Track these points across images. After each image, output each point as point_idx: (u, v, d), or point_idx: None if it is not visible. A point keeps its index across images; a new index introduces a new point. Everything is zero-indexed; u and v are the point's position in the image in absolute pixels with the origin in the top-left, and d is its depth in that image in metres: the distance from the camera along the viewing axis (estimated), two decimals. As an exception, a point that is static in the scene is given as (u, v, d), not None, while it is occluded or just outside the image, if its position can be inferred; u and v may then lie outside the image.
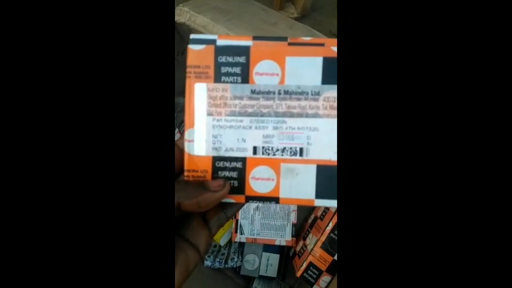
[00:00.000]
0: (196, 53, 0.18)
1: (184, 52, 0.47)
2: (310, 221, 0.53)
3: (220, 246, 0.56)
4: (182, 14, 0.41)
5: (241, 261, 0.52)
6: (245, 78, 0.18)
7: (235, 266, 0.52)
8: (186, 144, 0.18)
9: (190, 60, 0.18)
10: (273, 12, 0.50)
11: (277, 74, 0.18)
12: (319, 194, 0.18)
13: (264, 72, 0.18)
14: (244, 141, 0.18)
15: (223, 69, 0.18)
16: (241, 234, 0.51)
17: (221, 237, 0.55)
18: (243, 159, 0.18)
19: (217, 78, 0.18)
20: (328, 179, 0.18)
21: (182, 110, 0.53)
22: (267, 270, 0.53)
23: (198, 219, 0.19)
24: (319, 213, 0.49)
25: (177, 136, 0.53)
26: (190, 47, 0.18)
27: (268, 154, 0.18)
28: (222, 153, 0.18)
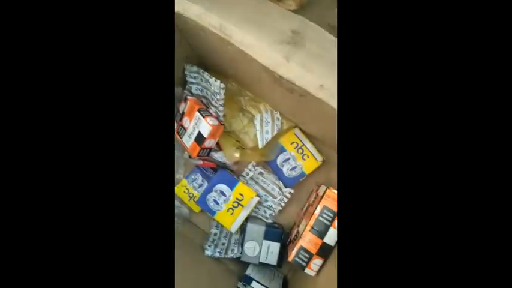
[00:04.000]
0: None
1: (180, 43, 0.48)
2: (304, 208, 0.54)
3: (220, 233, 0.57)
4: (177, 4, 0.42)
5: (241, 252, 0.53)
6: None
7: (234, 256, 0.53)
8: None
9: None
10: (270, 3, 0.50)
11: None
12: None
13: None
14: None
15: None
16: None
17: (232, 224, 0.55)
18: None
19: None
20: None
21: (178, 100, 0.54)
22: (267, 257, 0.54)
23: None
24: (311, 200, 0.50)
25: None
26: None
27: None
28: None
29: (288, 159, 0.57)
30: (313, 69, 0.34)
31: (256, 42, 0.35)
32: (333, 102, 0.33)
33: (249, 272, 0.54)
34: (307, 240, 0.42)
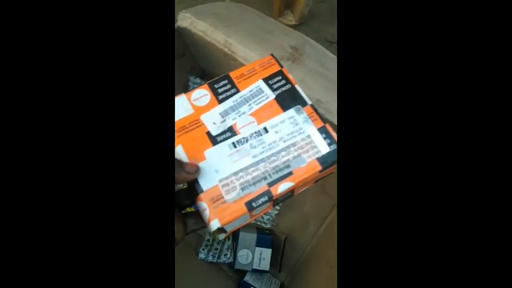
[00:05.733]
0: None
1: (185, 54, 0.51)
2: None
3: (213, 240, 0.59)
4: (184, 20, 0.44)
5: (233, 257, 0.55)
6: None
7: (227, 261, 0.55)
8: None
9: None
10: (270, 19, 0.53)
11: None
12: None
13: None
14: None
15: None
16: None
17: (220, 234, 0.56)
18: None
19: None
20: None
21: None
22: (260, 264, 0.55)
23: (177, 214, 0.21)
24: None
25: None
26: None
27: None
28: None
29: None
30: (311, 85, 0.36)
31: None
32: (332, 118, 0.35)
33: (247, 278, 0.55)
34: None
